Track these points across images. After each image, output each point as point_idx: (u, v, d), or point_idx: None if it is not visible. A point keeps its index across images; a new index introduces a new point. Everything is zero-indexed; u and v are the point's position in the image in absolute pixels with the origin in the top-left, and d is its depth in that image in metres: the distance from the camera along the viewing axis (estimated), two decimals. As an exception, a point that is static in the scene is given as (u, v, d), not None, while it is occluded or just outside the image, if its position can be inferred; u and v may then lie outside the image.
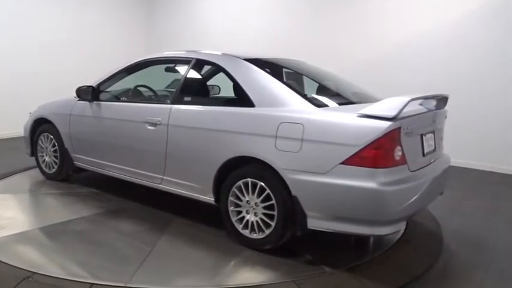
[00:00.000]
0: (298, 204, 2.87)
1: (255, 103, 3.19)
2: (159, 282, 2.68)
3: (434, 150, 3.30)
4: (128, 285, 2.60)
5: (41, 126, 4.95)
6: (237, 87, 3.41)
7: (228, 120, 3.27)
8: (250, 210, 3.12)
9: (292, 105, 3.05)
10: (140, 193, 4.19)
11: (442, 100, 3.47)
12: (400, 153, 2.74)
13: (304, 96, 3.15)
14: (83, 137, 4.48)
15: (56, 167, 4.81)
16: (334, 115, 2.90)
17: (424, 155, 3.09)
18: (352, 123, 2.75)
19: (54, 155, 4.78)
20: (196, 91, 3.84)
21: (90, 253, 3.07)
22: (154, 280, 2.70)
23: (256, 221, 3.09)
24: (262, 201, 3.04)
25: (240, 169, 3.18)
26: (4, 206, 4.03)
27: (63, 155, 4.69)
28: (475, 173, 6.08)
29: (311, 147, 2.82)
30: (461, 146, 6.35)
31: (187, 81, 3.78)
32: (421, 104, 3.35)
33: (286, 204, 2.93)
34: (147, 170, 3.84)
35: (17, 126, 7.97)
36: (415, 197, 2.82)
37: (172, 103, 3.68)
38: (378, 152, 2.63)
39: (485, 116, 6.20)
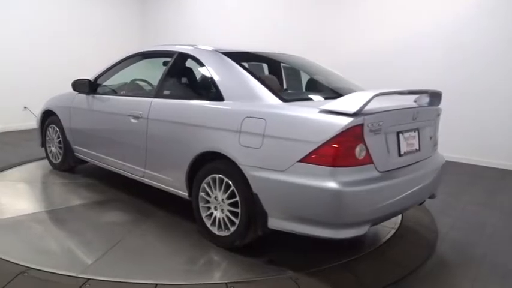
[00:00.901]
0: (259, 203, 2.77)
1: (224, 97, 3.13)
2: (112, 274, 2.65)
3: (417, 150, 3.06)
4: (80, 276, 2.60)
5: (48, 118, 5.13)
6: (211, 80, 3.33)
7: (199, 114, 3.24)
8: (218, 207, 3.06)
9: (261, 99, 2.95)
10: (136, 185, 4.19)
11: (434, 97, 3.29)
12: (364, 152, 2.55)
13: (274, 90, 3.03)
14: (80, 129, 4.60)
15: (60, 157, 4.98)
16: (296, 110, 2.76)
17: (400, 155, 2.87)
18: (312, 118, 2.60)
19: (59, 146, 4.96)
20: (175, 85, 3.83)
21: (57, 242, 3.14)
22: (108, 272, 2.67)
23: (223, 218, 3.03)
24: (228, 198, 2.98)
25: (209, 164, 3.13)
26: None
27: (65, 146, 4.85)
28: (470, 167, 6.12)
29: (271, 143, 2.72)
30: (457, 141, 6.40)
31: (168, 75, 3.78)
32: (415, 101, 3.25)
33: (248, 202, 2.84)
34: (131, 162, 3.92)
35: (8, 121, 7.97)
36: (384, 200, 2.66)
37: (154, 97, 3.70)
38: (336, 150, 2.47)
39: (481, 112, 6.22)
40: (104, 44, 9.50)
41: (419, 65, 6.66)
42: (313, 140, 2.52)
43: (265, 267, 2.82)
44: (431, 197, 3.32)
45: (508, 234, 3.62)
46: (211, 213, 3.12)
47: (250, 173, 2.80)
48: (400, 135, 2.88)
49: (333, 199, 2.47)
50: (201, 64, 3.45)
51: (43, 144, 5.27)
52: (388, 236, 3.38)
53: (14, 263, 2.70)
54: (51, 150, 5.14)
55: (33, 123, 8.34)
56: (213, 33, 8.97)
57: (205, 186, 3.13)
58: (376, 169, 2.65)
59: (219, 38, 8.73)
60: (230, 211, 2.97)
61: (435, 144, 3.39)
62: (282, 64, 4.28)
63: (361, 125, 2.51)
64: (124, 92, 4.39)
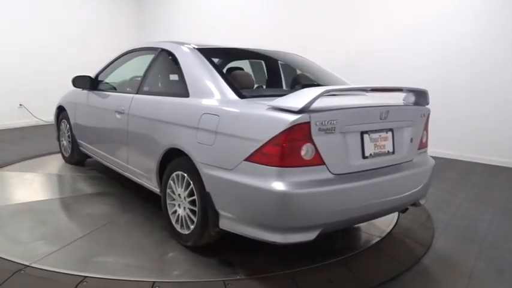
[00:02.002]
0: (211, 202, 2.69)
1: (190, 93, 3.11)
2: (65, 266, 2.67)
3: (390, 152, 2.83)
4: (32, 265, 2.64)
5: (61, 113, 5.34)
6: (181, 76, 3.30)
7: (167, 111, 3.24)
8: (181, 204, 3.02)
9: (220, 95, 2.88)
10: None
11: (420, 96, 3.10)
12: (312, 152, 2.40)
13: (235, 86, 2.93)
14: (82, 124, 4.78)
15: (69, 151, 5.21)
16: (246, 106, 2.68)
17: (365, 157, 2.67)
18: (259, 116, 2.51)
19: (69, 140, 5.15)
20: (153, 81, 3.84)
21: (26, 231, 3.22)
22: (62, 264, 2.70)
23: (184, 216, 3.00)
24: (188, 195, 2.92)
25: (174, 161, 3.10)
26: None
27: (72, 140, 5.06)
28: (465, 164, 6.17)
29: (222, 141, 2.65)
30: (452, 138, 6.44)
31: (149, 71, 3.80)
32: (404, 100, 3.12)
33: (202, 201, 2.78)
34: (118, 157, 4.01)
35: (3, 119, 7.93)
36: (339, 204, 2.49)
37: (135, 93, 3.74)
38: (280, 149, 2.33)
39: (476, 109, 6.26)
40: (100, 41, 9.50)
41: (420, 64, 6.68)
42: (258, 138, 2.41)
43: (264, 264, 2.82)
44: (416, 204, 3.10)
45: (504, 230, 3.64)
46: (176, 211, 3.09)
47: (203, 170, 2.74)
48: (365, 135, 2.67)
49: (275, 201, 2.34)
50: (176, 60, 3.42)
51: (58, 138, 5.50)
52: (385, 233, 3.39)
53: (11, 261, 2.69)
54: (63, 144, 5.38)
55: (28, 120, 8.35)
56: (213, 32, 8.97)
57: (171, 183, 3.09)
58: (330, 171, 2.48)
59: (221, 36, 8.74)
60: (190, 209, 2.92)
61: (421, 147, 3.13)
62: (267, 61, 4.27)
63: (308, 123, 2.35)
64: (119, 88, 4.41)
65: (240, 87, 2.98)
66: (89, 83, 4.45)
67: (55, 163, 5.35)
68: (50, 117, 8.65)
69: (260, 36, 8.09)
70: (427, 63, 6.57)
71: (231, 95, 2.85)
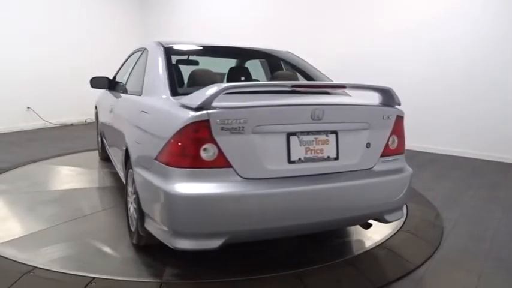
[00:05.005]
0: (139, 201, 2.64)
1: (143, 91, 3.10)
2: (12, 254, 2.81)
3: (331, 158, 2.51)
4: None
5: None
6: (143, 75, 3.28)
7: (127, 109, 3.30)
8: (132, 202, 2.95)
9: (158, 93, 2.82)
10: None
11: (386, 96, 2.74)
12: (215, 152, 2.21)
13: (173, 84, 2.83)
14: (101, 122, 5.08)
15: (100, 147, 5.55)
16: (164, 103, 2.59)
17: (291, 162, 2.40)
18: (166, 112, 2.43)
19: (99, 137, 5.55)
20: (131, 80, 3.87)
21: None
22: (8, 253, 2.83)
23: (131, 214, 2.96)
24: (135, 193, 2.82)
25: (129, 160, 3.02)
26: None
27: (100, 137, 5.35)
28: (474, 161, 6.12)
29: (146, 139, 2.60)
30: (460, 135, 6.40)
31: (132, 71, 3.92)
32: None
33: (137, 199, 2.71)
34: (112, 154, 4.20)
35: (11, 122, 7.99)
36: (250, 212, 2.27)
37: (122, 92, 3.88)
38: (177, 148, 2.22)
39: (485, 106, 6.21)
40: (106, 42, 9.55)
41: (420, 64, 6.66)
42: (163, 136, 2.32)
43: (263, 265, 2.81)
44: (381, 220, 2.76)
45: (513, 228, 3.61)
46: (130, 208, 3.04)
47: (134, 168, 2.72)
48: (292, 137, 2.40)
49: (166, 203, 2.23)
50: (147, 59, 3.41)
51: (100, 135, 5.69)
52: (393, 232, 3.37)
53: (20, 263, 2.70)
54: (98, 141, 5.69)
55: (36, 123, 8.40)
56: (217, 31, 8.99)
57: (129, 180, 3.04)
58: (238, 174, 2.27)
59: (225, 34, 8.76)
60: (135, 207, 2.86)
61: (386, 154, 2.73)
62: (244, 59, 4.27)
63: (207, 121, 2.18)
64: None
65: (194, 85, 2.89)
66: (105, 84, 4.49)
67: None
68: (57, 119, 8.72)
69: (264, 35, 8.08)
70: (431, 60, 6.54)
71: (166, 92, 2.75)
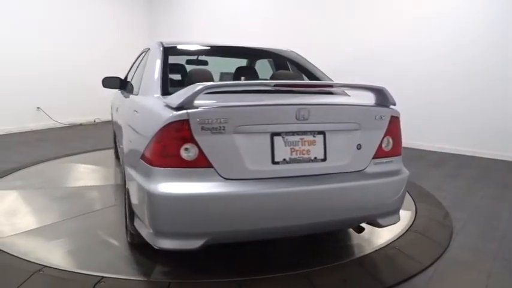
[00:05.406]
0: (129, 199, 2.64)
1: (139, 91, 3.11)
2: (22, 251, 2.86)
3: (318, 159, 2.44)
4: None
5: None
6: (141, 75, 3.29)
7: (125, 108, 3.31)
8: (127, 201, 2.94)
9: (150, 92, 2.82)
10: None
11: (378, 94, 2.65)
12: (195, 152, 2.20)
13: (165, 83, 2.84)
14: (113, 122, 5.10)
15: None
16: (151, 102, 2.59)
17: (275, 162, 2.35)
18: (153, 112, 2.43)
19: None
20: (136, 79, 3.85)
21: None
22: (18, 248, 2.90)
23: (126, 212, 2.97)
24: (126, 191, 2.85)
25: None
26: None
27: (114, 137, 5.33)
28: (484, 161, 6.08)
29: (135, 137, 2.60)
30: (470, 134, 6.37)
31: (136, 71, 3.95)
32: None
33: (128, 198, 2.72)
34: (120, 153, 4.14)
35: (21, 122, 8.06)
36: (227, 212, 2.25)
37: (128, 92, 3.86)
38: (158, 148, 2.22)
39: (496, 104, 6.18)
40: (113, 43, 9.59)
41: (422, 64, 6.64)
42: (148, 135, 2.32)
43: (272, 264, 2.81)
44: (375, 224, 2.68)
45: (524, 228, 3.58)
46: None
47: (125, 167, 2.75)
48: (277, 138, 2.35)
49: (146, 202, 2.23)
50: (147, 59, 3.42)
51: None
52: (402, 232, 3.35)
53: (30, 262, 2.73)
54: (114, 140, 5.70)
55: (45, 123, 8.47)
56: (224, 31, 9.02)
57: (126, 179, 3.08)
58: (220, 175, 2.25)
59: (232, 34, 8.80)
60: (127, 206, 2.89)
61: (379, 155, 2.63)
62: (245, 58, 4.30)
63: (187, 121, 2.17)
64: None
65: (190, 84, 2.89)
66: (116, 84, 4.46)
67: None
68: (66, 119, 8.79)
69: (273, 34, 8.09)
70: (432, 63, 6.51)
71: (157, 92, 2.75)
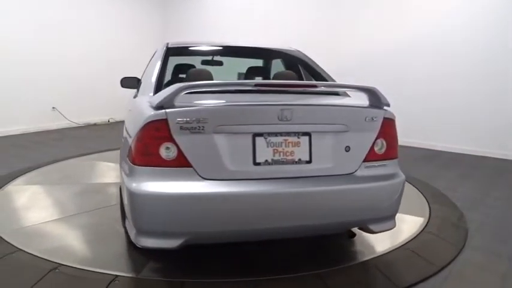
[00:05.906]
0: (122, 197, 2.64)
1: (139, 91, 3.13)
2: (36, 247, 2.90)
3: (303, 161, 2.38)
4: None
5: None
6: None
7: (127, 108, 3.31)
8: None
9: (145, 92, 2.82)
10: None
11: (371, 95, 2.53)
12: (174, 152, 2.20)
13: (160, 84, 2.84)
14: None
15: None
16: (139, 102, 2.63)
17: (256, 163, 2.31)
18: (137, 111, 2.45)
19: None
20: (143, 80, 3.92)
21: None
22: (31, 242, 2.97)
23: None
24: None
25: None
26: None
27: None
28: (498, 161, 6.01)
29: (125, 136, 2.63)
30: (483, 134, 6.31)
31: (145, 71, 3.90)
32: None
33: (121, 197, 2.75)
34: None
35: (37, 121, 8.16)
36: (206, 212, 2.23)
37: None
38: (138, 146, 2.24)
39: (508, 105, 6.09)
40: (129, 43, 9.66)
41: (422, 65, 6.61)
42: (132, 135, 2.34)
43: (285, 264, 2.81)
44: (366, 230, 2.61)
45: (540, 230, 3.53)
46: None
47: (120, 165, 2.77)
48: (258, 138, 2.31)
49: (128, 200, 2.26)
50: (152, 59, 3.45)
51: None
52: (416, 233, 3.33)
53: (46, 260, 2.76)
54: None
55: (61, 122, 8.57)
56: (237, 31, 9.03)
57: None
58: (199, 175, 2.24)
59: (245, 34, 8.81)
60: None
61: (371, 158, 2.53)
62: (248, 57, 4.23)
63: (165, 120, 2.17)
64: None
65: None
66: (134, 84, 4.40)
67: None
68: (81, 119, 8.88)
69: (286, 33, 8.07)
70: (434, 63, 6.45)
71: (151, 92, 2.74)
